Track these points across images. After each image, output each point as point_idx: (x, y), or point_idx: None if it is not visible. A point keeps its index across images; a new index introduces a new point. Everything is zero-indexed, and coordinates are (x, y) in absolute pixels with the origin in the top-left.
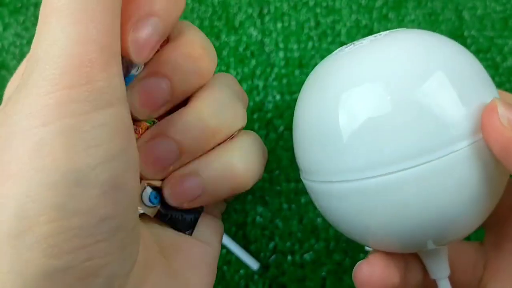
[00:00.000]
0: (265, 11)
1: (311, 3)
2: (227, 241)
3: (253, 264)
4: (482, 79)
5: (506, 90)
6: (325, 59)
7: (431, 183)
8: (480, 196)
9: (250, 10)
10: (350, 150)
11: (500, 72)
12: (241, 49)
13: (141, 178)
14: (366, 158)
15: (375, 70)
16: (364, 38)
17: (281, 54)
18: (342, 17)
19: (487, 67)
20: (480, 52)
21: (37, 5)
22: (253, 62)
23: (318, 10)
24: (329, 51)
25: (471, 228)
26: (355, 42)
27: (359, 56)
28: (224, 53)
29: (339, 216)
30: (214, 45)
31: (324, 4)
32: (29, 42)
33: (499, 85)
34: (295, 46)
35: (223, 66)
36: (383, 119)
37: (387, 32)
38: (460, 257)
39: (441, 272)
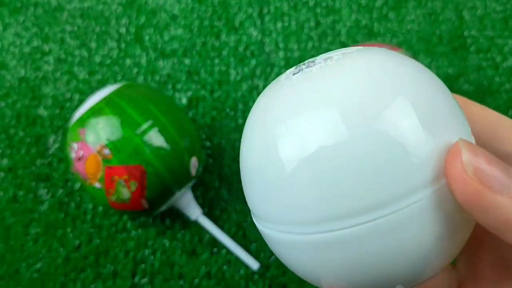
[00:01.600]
0: (265, 11)
1: (311, 3)
2: (227, 241)
3: (253, 264)
4: (450, 112)
5: (506, 90)
6: (269, 87)
7: (391, 236)
8: (447, 241)
9: (250, 10)
10: (297, 202)
11: (500, 72)
12: (241, 49)
13: None
14: (315, 211)
15: (322, 108)
16: (315, 59)
17: (281, 54)
18: (342, 17)
19: (487, 67)
20: (480, 52)
21: (37, 5)
22: (253, 62)
23: (318, 10)
24: (329, 51)
25: (440, 269)
26: (304, 66)
27: (304, 89)
28: (224, 53)
29: (292, 263)
30: (214, 45)
31: (324, 4)
32: (29, 42)
33: (499, 85)
34: (295, 46)
35: (223, 66)
36: (332, 168)
37: (341, 52)
38: (432, 282)
39: None
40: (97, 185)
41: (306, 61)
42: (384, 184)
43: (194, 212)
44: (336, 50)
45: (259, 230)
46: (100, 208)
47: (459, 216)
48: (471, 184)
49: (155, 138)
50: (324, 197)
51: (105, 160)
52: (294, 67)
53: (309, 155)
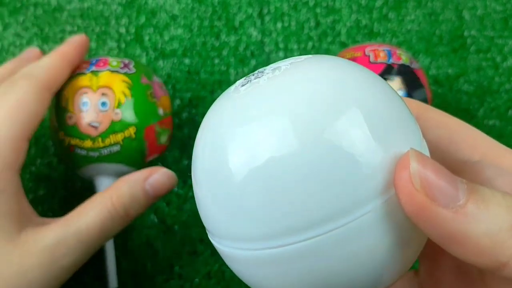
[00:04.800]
0: (265, 11)
1: (311, 3)
2: (110, 249)
3: (113, 283)
4: (402, 121)
5: (506, 90)
6: (218, 100)
7: (343, 248)
8: (402, 250)
9: (250, 10)
10: (247, 217)
11: (500, 72)
12: (241, 49)
13: None
14: (262, 227)
15: (268, 119)
16: (265, 69)
17: (281, 54)
18: (342, 17)
19: (487, 67)
20: (480, 52)
21: (37, 5)
22: (253, 62)
23: (318, 10)
24: (329, 51)
25: (397, 277)
26: (253, 77)
27: (251, 101)
28: (224, 53)
29: (248, 279)
30: (214, 45)
31: (324, 4)
32: (29, 42)
33: (499, 85)
34: (295, 46)
35: (223, 66)
36: (277, 183)
37: (289, 62)
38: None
39: None
40: (161, 111)
41: (256, 72)
42: (334, 196)
43: None
44: (286, 59)
45: (214, 246)
46: None
47: (411, 225)
48: (417, 196)
49: None
50: (273, 212)
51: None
52: (243, 78)
53: (256, 168)
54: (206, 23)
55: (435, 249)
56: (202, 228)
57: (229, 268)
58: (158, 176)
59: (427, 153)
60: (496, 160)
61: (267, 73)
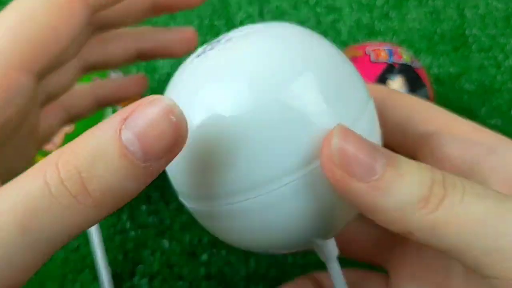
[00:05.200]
0: (266, 10)
1: (311, 2)
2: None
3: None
4: (351, 84)
5: (508, 89)
6: (180, 67)
7: (290, 202)
8: (343, 204)
9: (250, 9)
10: (203, 178)
11: (502, 70)
12: None
13: None
14: (214, 187)
15: (213, 89)
16: (220, 39)
17: None
18: (343, 16)
19: (489, 66)
20: (482, 50)
21: None
22: None
23: (318, 9)
24: None
25: (350, 220)
26: (208, 47)
27: (203, 67)
28: None
29: (207, 228)
30: None
31: (324, 3)
32: None
33: (501, 84)
34: None
35: None
36: (227, 143)
37: (244, 32)
38: (366, 238)
39: (330, 253)
40: None
41: (215, 40)
42: (285, 154)
43: None
44: (241, 28)
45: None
46: None
47: None
48: (336, 171)
49: None
50: (226, 172)
51: None
52: (202, 47)
53: (206, 132)
54: (206, 22)
55: None
56: (202, 228)
57: (229, 268)
58: (146, 111)
59: (374, 114)
60: (451, 130)
61: (221, 44)
